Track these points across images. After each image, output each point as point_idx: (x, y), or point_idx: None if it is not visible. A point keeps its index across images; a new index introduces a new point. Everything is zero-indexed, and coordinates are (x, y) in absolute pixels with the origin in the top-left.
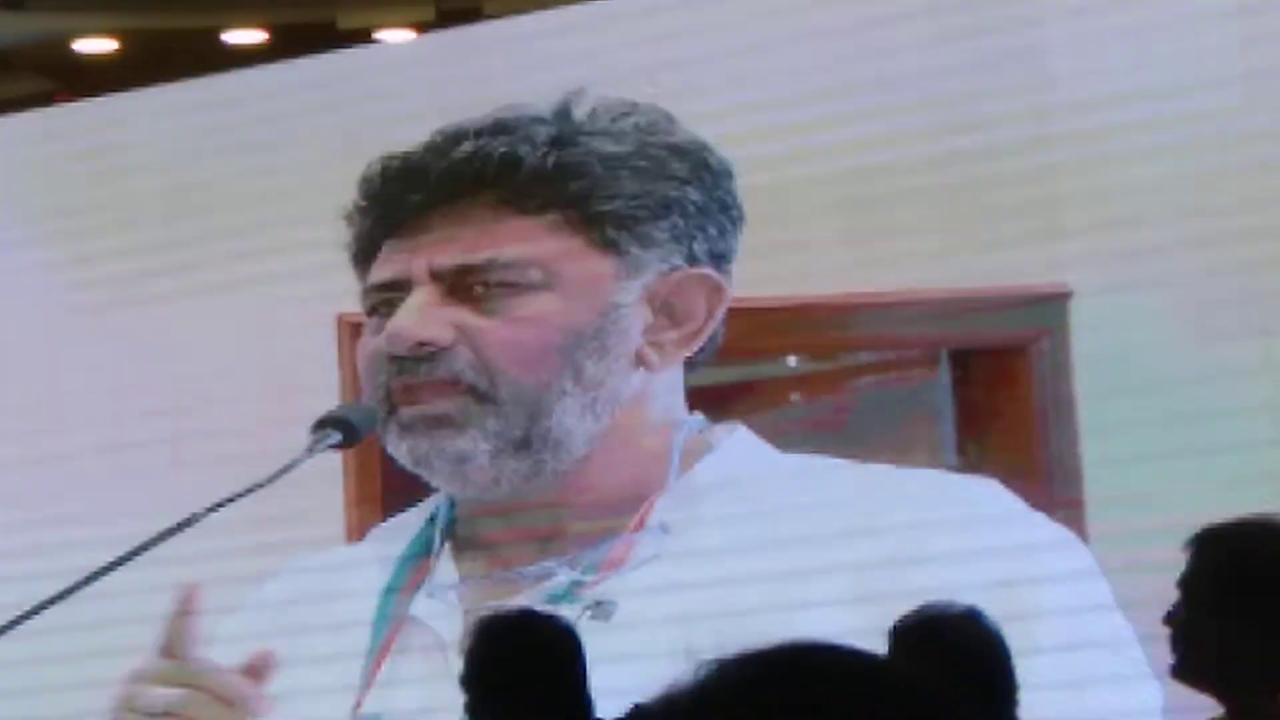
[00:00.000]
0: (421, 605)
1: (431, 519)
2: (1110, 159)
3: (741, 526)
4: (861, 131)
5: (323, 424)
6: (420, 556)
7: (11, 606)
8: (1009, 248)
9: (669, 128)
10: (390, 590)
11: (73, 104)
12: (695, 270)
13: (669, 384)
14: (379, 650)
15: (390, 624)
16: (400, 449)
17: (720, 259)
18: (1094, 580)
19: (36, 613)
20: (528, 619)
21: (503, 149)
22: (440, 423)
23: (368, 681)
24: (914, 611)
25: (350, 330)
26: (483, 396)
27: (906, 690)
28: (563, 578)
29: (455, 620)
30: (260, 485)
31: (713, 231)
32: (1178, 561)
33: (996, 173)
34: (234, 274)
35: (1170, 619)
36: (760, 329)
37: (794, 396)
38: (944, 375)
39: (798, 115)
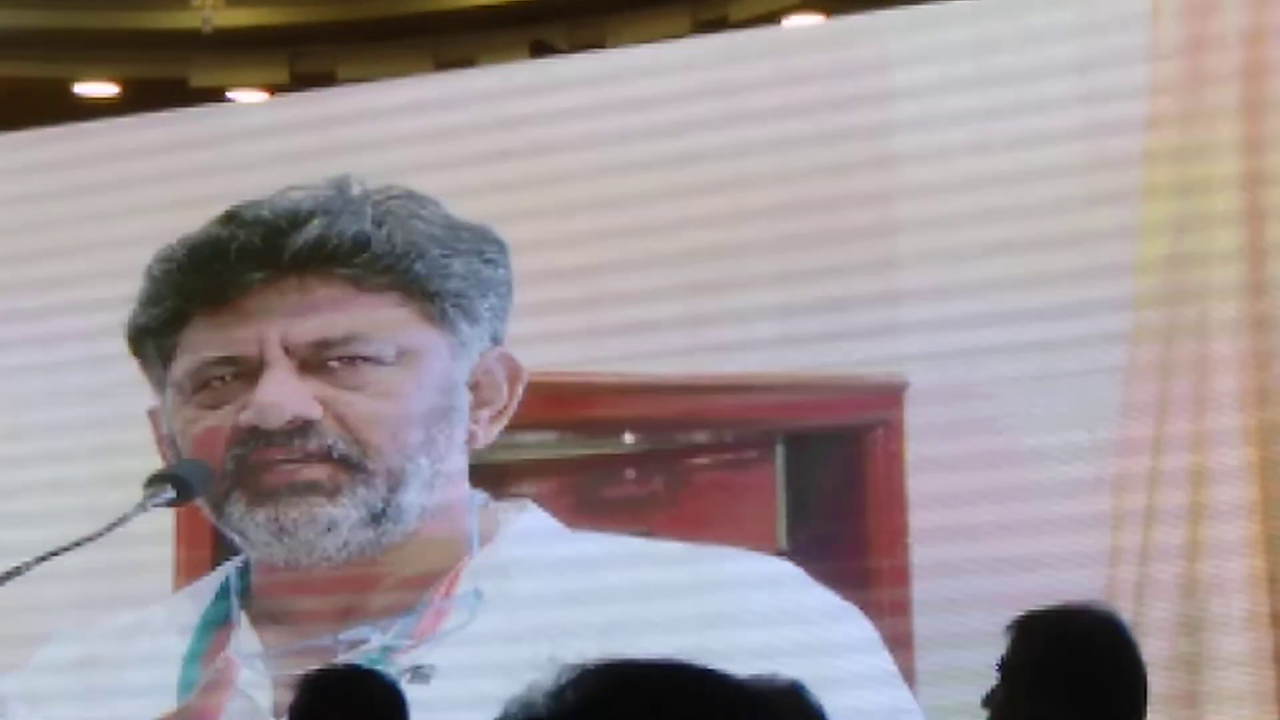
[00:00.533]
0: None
1: (224, 589)
2: (950, 247)
3: (551, 602)
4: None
5: (157, 479)
6: (218, 624)
7: None
8: (849, 338)
9: (444, 210)
10: (192, 658)
11: None
12: (499, 350)
13: (464, 466)
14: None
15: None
16: (256, 517)
17: (499, 337)
18: (878, 652)
19: None
20: (355, 675)
21: (354, 229)
22: (313, 489)
23: None
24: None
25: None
26: (354, 467)
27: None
28: (375, 643)
29: (267, 689)
30: (90, 538)
31: (506, 311)
32: (995, 637)
33: (842, 257)
34: (67, 324)
35: (988, 701)
36: (599, 404)
37: (629, 472)
38: (779, 458)
39: (642, 183)
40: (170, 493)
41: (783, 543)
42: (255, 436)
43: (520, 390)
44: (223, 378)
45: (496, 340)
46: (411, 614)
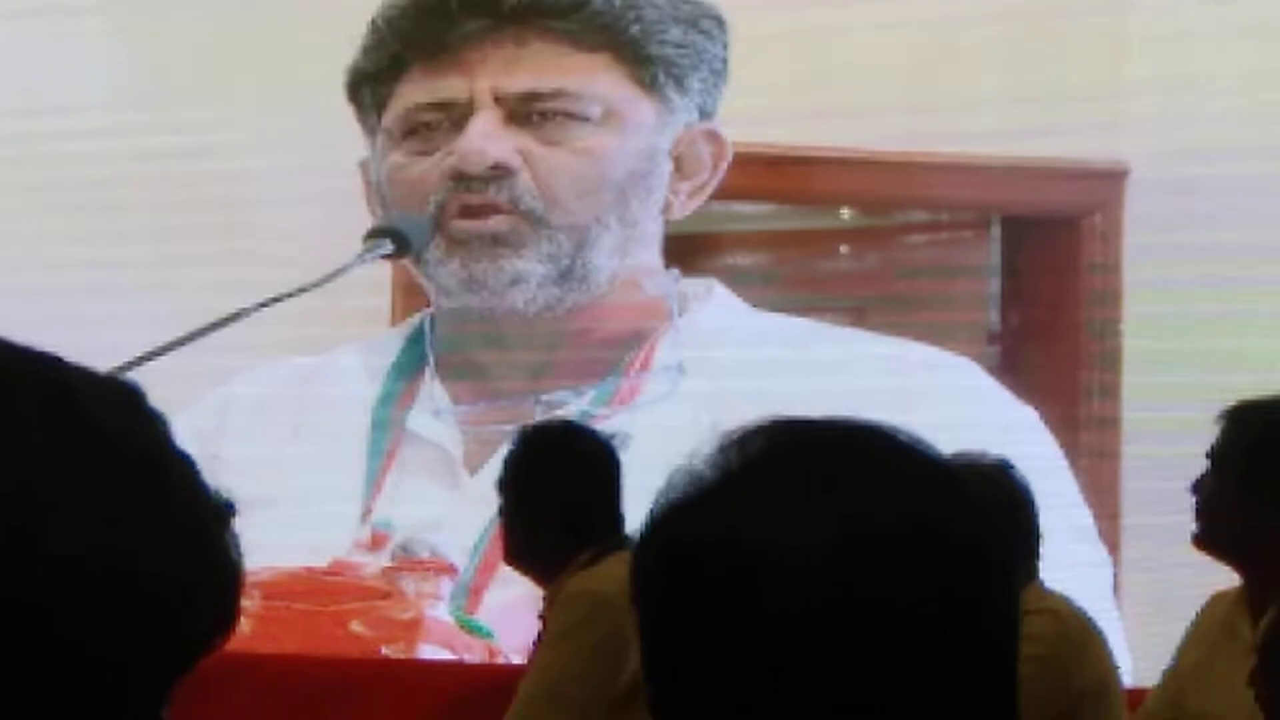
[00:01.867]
0: (422, 422)
1: (415, 338)
2: (1181, 38)
3: (752, 373)
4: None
5: (375, 233)
6: (409, 370)
7: None
8: (1070, 122)
9: None
10: (385, 400)
11: None
12: (706, 126)
13: (660, 236)
14: (383, 459)
15: (389, 435)
16: (449, 265)
17: (711, 114)
18: (1062, 476)
19: None
20: (574, 429)
21: None
22: (498, 241)
23: (374, 490)
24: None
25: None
26: (537, 221)
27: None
28: (572, 407)
29: (458, 438)
30: (310, 287)
31: (718, 88)
32: (1205, 426)
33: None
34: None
35: (1197, 487)
36: (817, 177)
37: (843, 247)
38: (994, 240)
39: None
40: (388, 246)
41: (994, 325)
42: (457, 182)
43: (723, 168)
44: (430, 124)
45: (706, 115)
46: (609, 380)
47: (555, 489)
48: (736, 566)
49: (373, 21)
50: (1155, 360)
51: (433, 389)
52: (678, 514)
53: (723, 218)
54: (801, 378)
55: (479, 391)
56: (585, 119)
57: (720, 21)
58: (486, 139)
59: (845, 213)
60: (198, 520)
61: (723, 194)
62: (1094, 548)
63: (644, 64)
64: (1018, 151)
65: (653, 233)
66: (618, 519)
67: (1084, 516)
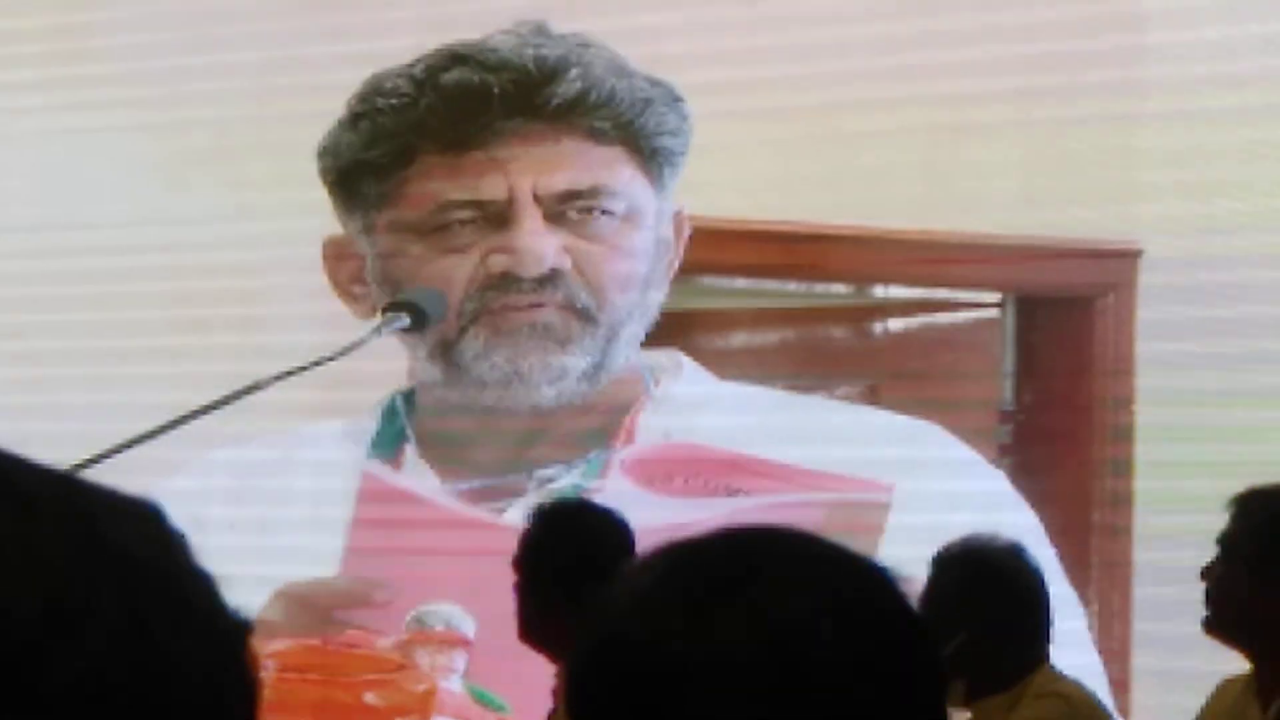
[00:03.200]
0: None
1: (390, 413)
2: (1196, 117)
3: (742, 439)
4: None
5: (393, 307)
6: (389, 446)
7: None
8: (1085, 202)
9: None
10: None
11: None
12: (673, 206)
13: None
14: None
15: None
16: (491, 359)
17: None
18: (1039, 543)
19: (102, 459)
20: (589, 506)
21: (610, 82)
22: (549, 335)
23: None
24: (958, 542)
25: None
26: (588, 319)
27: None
28: (564, 481)
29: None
30: (326, 359)
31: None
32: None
33: (1079, 117)
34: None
35: (1207, 574)
36: (832, 255)
37: (854, 324)
38: (1008, 318)
39: (886, 29)
40: (405, 320)
41: (1007, 402)
42: (506, 282)
43: (683, 244)
44: (462, 220)
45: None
46: (596, 454)
47: (569, 566)
48: (661, 673)
49: (369, 109)
50: (1169, 438)
51: (418, 467)
52: (606, 622)
53: (734, 293)
54: (790, 444)
55: (464, 470)
56: (617, 215)
57: (680, 100)
58: (540, 242)
59: (856, 289)
60: (218, 637)
61: (734, 270)
62: (1082, 653)
63: (651, 156)
64: (1031, 230)
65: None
66: None
67: (1078, 619)
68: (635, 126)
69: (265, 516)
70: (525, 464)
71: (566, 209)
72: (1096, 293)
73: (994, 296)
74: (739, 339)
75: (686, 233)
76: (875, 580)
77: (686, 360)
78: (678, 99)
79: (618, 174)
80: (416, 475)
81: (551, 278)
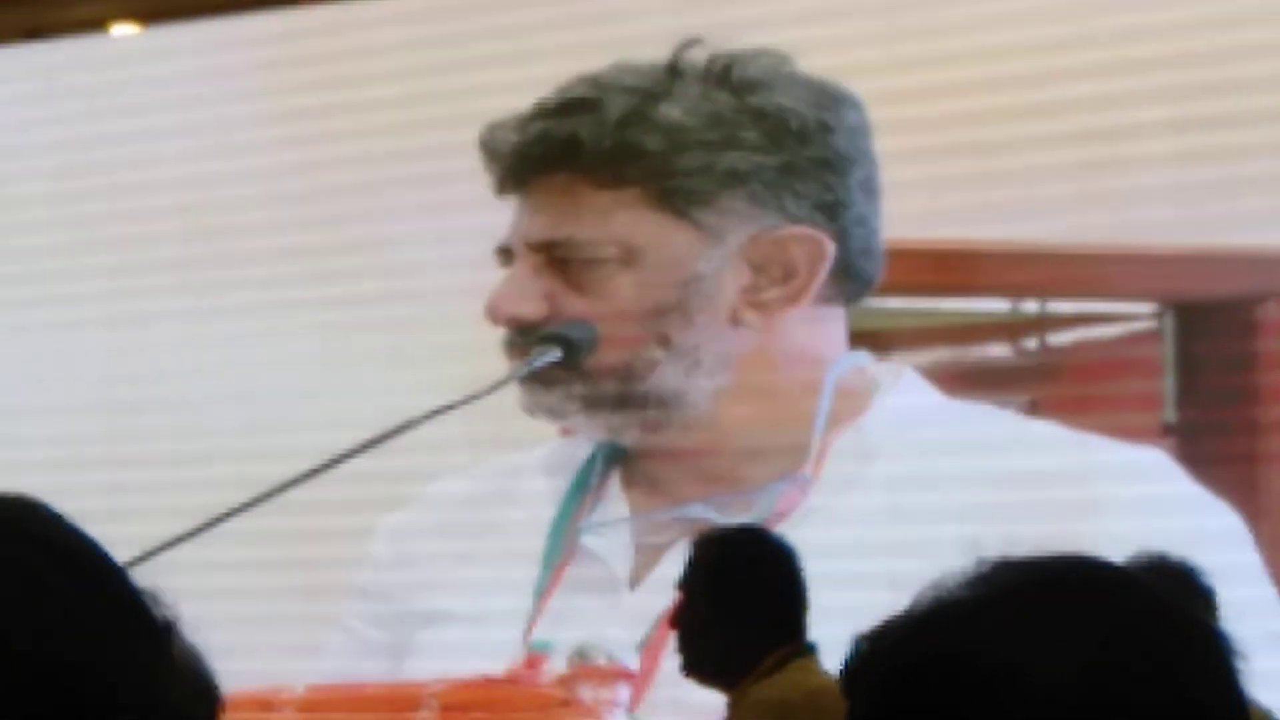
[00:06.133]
0: (592, 539)
1: (593, 456)
2: None
3: (912, 489)
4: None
5: (545, 340)
6: (585, 488)
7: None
8: (1244, 210)
9: (769, 85)
10: (560, 520)
11: None
12: (794, 229)
13: (806, 329)
14: (550, 579)
15: (560, 554)
16: (521, 394)
17: (829, 209)
18: (1260, 582)
19: (252, 505)
20: (756, 534)
21: (565, 132)
22: (533, 378)
23: (538, 609)
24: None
25: None
26: (568, 365)
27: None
28: (741, 518)
29: (627, 556)
30: (477, 396)
31: (810, 188)
32: None
33: (1241, 143)
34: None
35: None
36: (982, 270)
37: (1011, 342)
38: (1168, 329)
39: (1036, 64)
40: (556, 354)
41: (1169, 418)
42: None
43: (822, 268)
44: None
45: (793, 218)
46: (773, 487)
47: (739, 595)
48: (974, 683)
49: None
50: None
51: (610, 502)
52: (919, 631)
53: (890, 314)
54: (962, 489)
55: (656, 500)
56: (603, 262)
57: (783, 128)
58: (508, 294)
59: (1012, 306)
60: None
61: (889, 289)
62: None
63: (665, 196)
64: (1190, 239)
65: (753, 341)
66: (801, 625)
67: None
68: (627, 170)
69: (479, 549)
70: (706, 495)
71: (557, 257)
72: (1258, 298)
73: (1151, 307)
74: (893, 358)
75: (817, 252)
76: (1202, 633)
77: (906, 377)
78: (742, 129)
79: (609, 220)
80: (613, 506)
81: (526, 328)
